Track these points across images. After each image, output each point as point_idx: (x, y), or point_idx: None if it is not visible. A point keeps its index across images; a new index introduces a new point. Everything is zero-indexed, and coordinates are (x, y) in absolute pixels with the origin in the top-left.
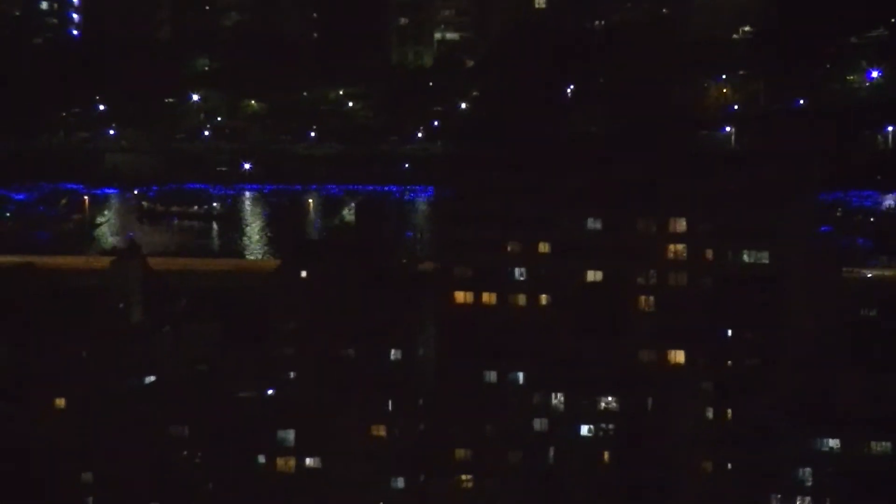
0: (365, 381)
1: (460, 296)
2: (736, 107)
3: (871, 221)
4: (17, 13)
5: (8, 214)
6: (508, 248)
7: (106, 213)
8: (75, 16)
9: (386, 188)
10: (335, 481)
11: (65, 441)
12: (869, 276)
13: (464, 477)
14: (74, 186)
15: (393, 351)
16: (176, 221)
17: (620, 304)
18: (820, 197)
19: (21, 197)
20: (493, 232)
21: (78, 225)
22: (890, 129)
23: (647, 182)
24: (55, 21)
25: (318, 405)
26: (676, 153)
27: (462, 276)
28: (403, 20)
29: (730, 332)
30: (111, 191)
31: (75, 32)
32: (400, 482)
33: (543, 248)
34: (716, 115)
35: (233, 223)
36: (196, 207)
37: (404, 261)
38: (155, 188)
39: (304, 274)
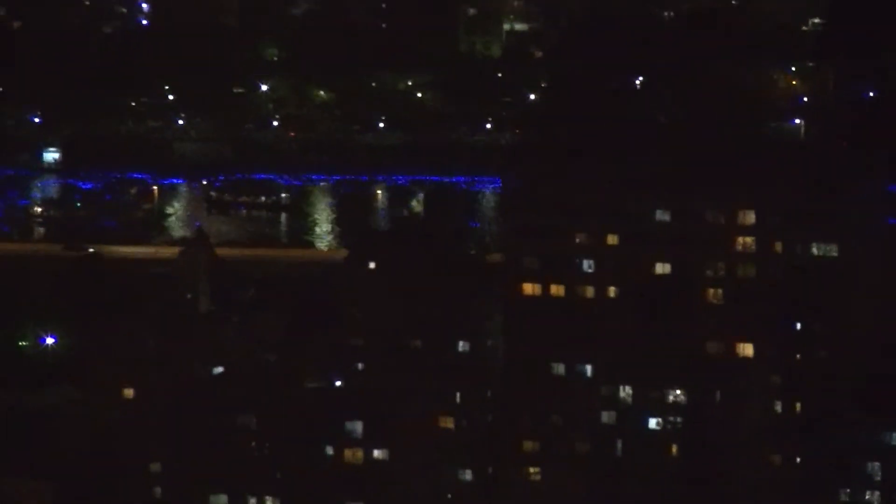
0: (433, 372)
1: (528, 287)
2: (805, 98)
3: None
4: (87, 2)
5: (78, 204)
6: (576, 239)
7: (175, 202)
8: (144, 4)
9: (453, 178)
10: (403, 473)
11: (133, 431)
12: None
13: (531, 469)
14: (142, 175)
15: (461, 342)
16: (244, 211)
17: (689, 296)
18: (889, 188)
19: (88, 186)
20: (560, 222)
21: (148, 214)
22: None
23: (716, 173)
24: (124, 10)
25: (385, 396)
26: (745, 144)
27: (530, 266)
28: (472, 10)
29: (798, 325)
30: (178, 180)
31: (144, 21)
32: (468, 474)
33: (612, 238)
34: (785, 106)
35: (301, 213)
36: (264, 197)
37: (472, 251)
38: (222, 177)
39: (371, 264)
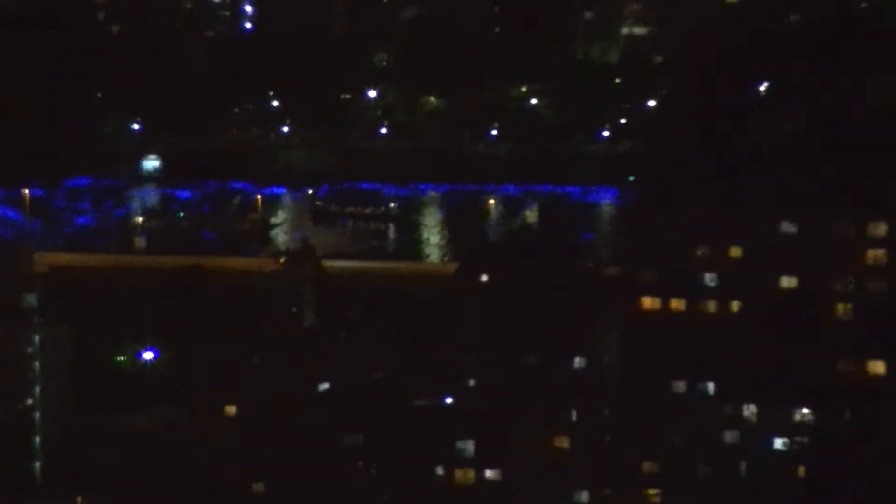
0: (547, 389)
1: (647, 301)
2: None
3: None
4: (189, 6)
5: (182, 214)
6: (698, 252)
7: (280, 213)
8: (248, 8)
9: (567, 189)
10: (516, 494)
11: (235, 449)
12: None
13: (651, 491)
14: (242, 185)
15: (577, 358)
16: (350, 222)
17: (816, 312)
18: None
19: (186, 195)
20: (681, 235)
21: (252, 225)
22: None
23: (844, 184)
24: (227, 14)
25: (498, 415)
26: (875, 155)
27: (649, 280)
28: (589, 14)
29: None
30: (279, 190)
31: (248, 25)
32: (584, 496)
33: (735, 252)
34: None
35: (409, 224)
36: (371, 208)
37: (589, 265)
38: (325, 187)
39: (483, 278)
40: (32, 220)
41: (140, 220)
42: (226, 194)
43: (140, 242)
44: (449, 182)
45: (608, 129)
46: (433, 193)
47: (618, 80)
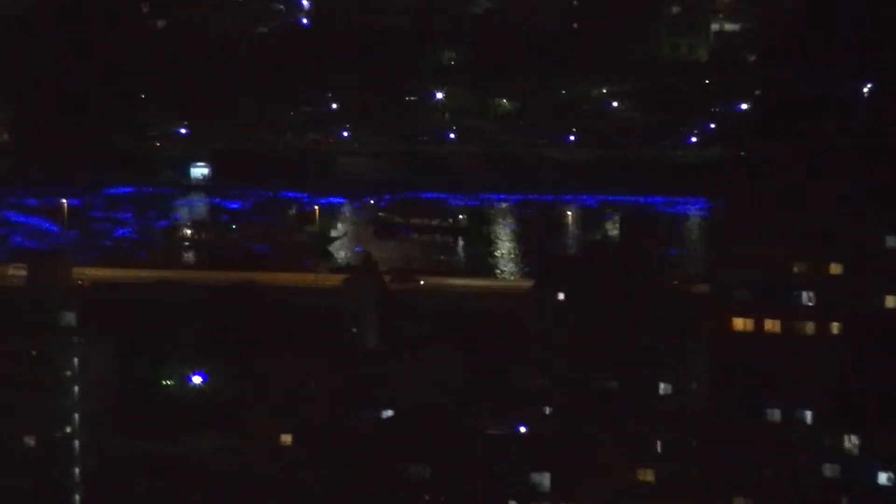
0: (630, 417)
1: (739, 322)
2: None
3: None
4: None
5: (234, 226)
6: (794, 269)
7: (340, 225)
8: (305, 2)
9: (650, 199)
10: None
11: (291, 482)
12: None
13: None
14: (296, 195)
15: (662, 384)
16: (416, 235)
17: None
18: None
19: (235, 206)
20: (776, 249)
21: (310, 238)
22: None
23: None
24: (282, 7)
25: (576, 444)
26: None
27: (741, 299)
28: (676, 9)
29: None
30: (339, 199)
31: (305, 20)
32: None
33: (835, 268)
34: None
35: (479, 237)
36: (438, 219)
37: (675, 282)
38: (387, 196)
39: (560, 295)
40: (69, 230)
41: (188, 231)
42: (279, 204)
43: (189, 256)
44: (521, 191)
45: (696, 134)
46: (504, 204)
47: (707, 80)
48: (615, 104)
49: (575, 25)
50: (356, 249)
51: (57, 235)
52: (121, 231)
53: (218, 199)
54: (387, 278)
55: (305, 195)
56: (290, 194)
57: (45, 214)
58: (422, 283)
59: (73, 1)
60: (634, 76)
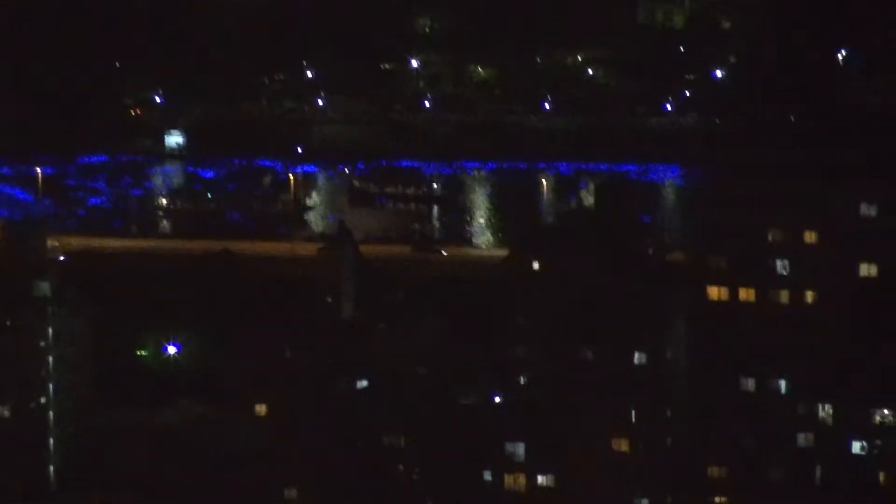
0: (605, 386)
1: (714, 291)
2: None
3: None
4: None
5: (210, 195)
6: (769, 237)
7: (314, 193)
8: None
9: (625, 166)
10: (571, 501)
11: (266, 450)
12: None
13: (718, 498)
14: (269, 163)
15: (637, 353)
16: (390, 203)
17: None
18: None
19: (209, 174)
20: (751, 218)
21: (286, 206)
22: None
23: None
24: None
25: (551, 414)
26: None
27: (716, 267)
28: None
29: None
30: (311, 168)
31: None
32: (645, 503)
33: (809, 236)
34: None
35: (454, 206)
36: (413, 188)
37: (650, 250)
38: (361, 165)
39: (536, 264)
40: (43, 199)
41: (164, 200)
42: (254, 173)
43: (165, 225)
44: (497, 159)
45: (672, 101)
46: (479, 172)
47: (683, 48)
48: (591, 71)
49: None
50: (329, 218)
51: (31, 204)
52: (95, 200)
53: (192, 168)
54: (408, 249)
55: (280, 164)
56: (264, 163)
57: (19, 183)
58: (444, 253)
59: None
60: (611, 43)
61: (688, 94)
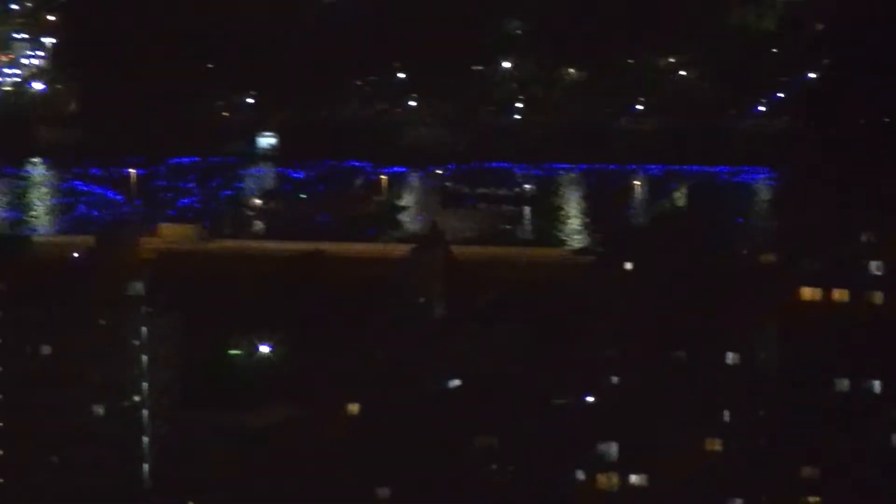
0: (698, 388)
1: (807, 292)
2: None
3: None
4: None
5: (303, 196)
6: (863, 238)
7: (405, 194)
8: None
9: (716, 169)
10: (663, 501)
11: (358, 451)
12: None
13: (811, 499)
14: (359, 164)
15: (730, 354)
16: (482, 205)
17: None
18: None
19: (299, 175)
20: (844, 219)
21: (378, 208)
22: None
23: None
24: None
25: (643, 415)
26: None
27: (809, 269)
28: None
29: None
30: (400, 169)
31: None
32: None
33: None
34: None
35: (546, 208)
36: (505, 190)
37: (742, 252)
38: (452, 166)
39: (627, 266)
40: (134, 200)
41: (256, 201)
42: (344, 174)
43: (256, 226)
44: (587, 161)
45: (764, 104)
46: (570, 174)
47: (775, 50)
48: (682, 74)
49: None
50: (419, 219)
51: (121, 205)
52: (185, 200)
53: (282, 169)
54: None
55: (369, 165)
56: (355, 164)
57: (110, 184)
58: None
59: None
60: (702, 45)
61: (780, 96)
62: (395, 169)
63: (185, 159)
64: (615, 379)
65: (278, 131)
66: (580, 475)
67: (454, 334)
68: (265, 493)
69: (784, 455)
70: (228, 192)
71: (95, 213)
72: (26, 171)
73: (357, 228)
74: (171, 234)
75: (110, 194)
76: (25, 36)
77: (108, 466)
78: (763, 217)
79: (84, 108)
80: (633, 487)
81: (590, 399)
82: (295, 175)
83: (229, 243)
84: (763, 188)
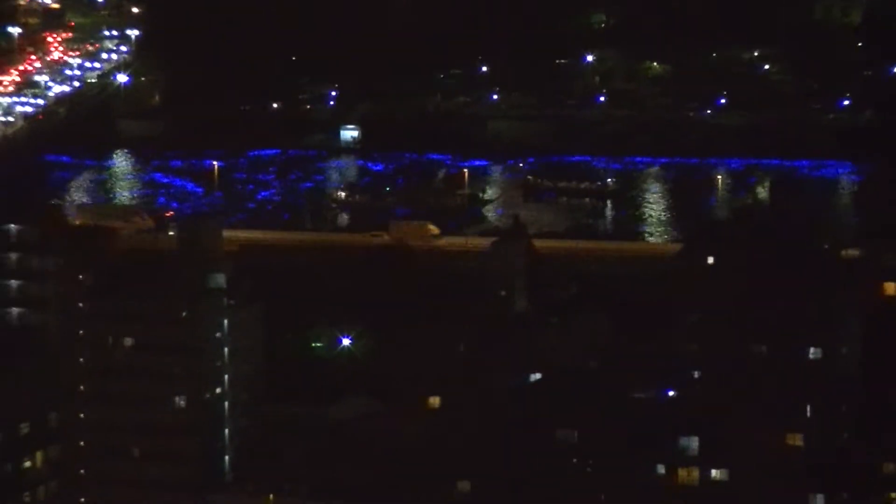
0: (779, 382)
1: (890, 287)
2: None
3: None
4: None
5: (388, 189)
6: None
7: (486, 187)
8: None
9: (797, 162)
10: (744, 496)
11: (439, 444)
12: None
13: (893, 495)
14: (439, 157)
15: (812, 348)
16: (564, 198)
17: None
18: None
19: (378, 167)
20: None
21: (462, 201)
22: None
23: None
24: None
25: (724, 409)
26: None
27: (891, 264)
28: None
29: None
30: (482, 162)
31: None
32: (819, 500)
33: None
34: None
35: (627, 201)
36: (587, 183)
37: (825, 246)
38: (531, 160)
39: (709, 259)
40: (214, 192)
41: (341, 194)
42: (425, 167)
43: (338, 218)
44: (668, 155)
45: (848, 98)
46: (650, 168)
47: (860, 44)
48: (766, 68)
49: None
50: (498, 212)
51: (201, 197)
52: (265, 193)
53: (362, 162)
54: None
55: (448, 158)
56: (435, 156)
57: (191, 176)
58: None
59: None
60: (786, 39)
61: (863, 90)
62: (476, 162)
63: (265, 152)
64: (696, 373)
65: (360, 124)
66: (661, 469)
67: (535, 328)
68: (344, 485)
69: (866, 451)
70: (308, 185)
71: (175, 204)
72: (108, 163)
73: (439, 221)
74: (404, 230)
75: (190, 186)
76: (110, 30)
77: (189, 458)
78: (846, 211)
79: (166, 101)
80: (714, 482)
81: (671, 393)
82: (375, 167)
83: (311, 235)
84: (846, 182)
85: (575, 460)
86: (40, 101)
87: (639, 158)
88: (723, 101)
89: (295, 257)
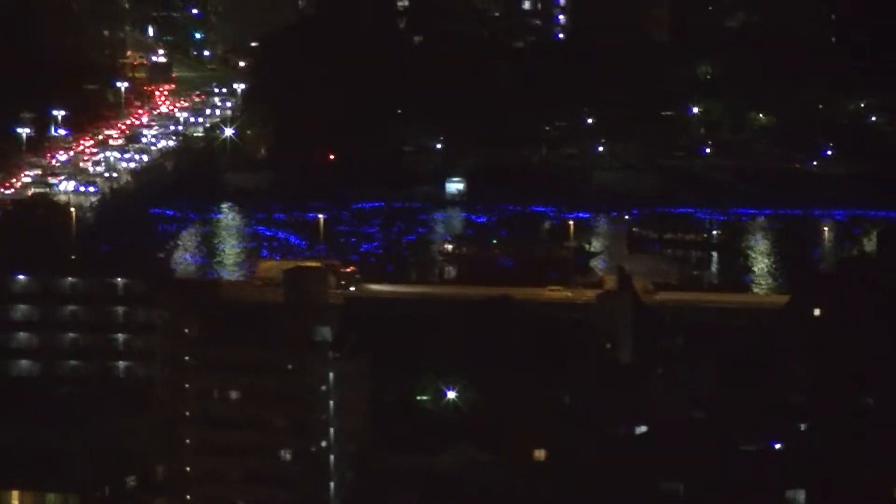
0: (887, 434)
1: None
2: None
3: None
4: (497, 14)
5: (495, 241)
6: None
7: (591, 238)
8: (561, 16)
9: None
10: None
11: (545, 495)
12: None
13: None
14: (541, 209)
15: None
16: (669, 250)
17: None
18: None
19: (481, 220)
20: None
21: (570, 252)
22: None
23: None
24: (538, 22)
25: (832, 461)
26: None
27: None
28: None
29: None
30: (583, 214)
31: (560, 35)
32: None
33: None
34: None
35: (734, 252)
36: (693, 234)
37: None
38: (635, 211)
39: (817, 311)
40: (318, 245)
41: (448, 246)
42: (527, 218)
43: (444, 270)
44: (773, 206)
45: None
46: (755, 218)
47: None
48: (873, 118)
49: (833, 39)
50: (601, 264)
51: (305, 249)
52: (368, 245)
53: (465, 214)
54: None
55: (551, 209)
56: (538, 208)
57: (293, 228)
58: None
59: (331, 19)
60: (892, 89)
61: None
62: (580, 214)
63: (369, 204)
64: (803, 425)
65: (466, 176)
66: None
67: (641, 379)
68: None
69: None
70: (411, 237)
71: (278, 257)
72: (212, 216)
73: (544, 273)
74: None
75: (294, 239)
76: (217, 84)
77: None
78: None
79: (272, 154)
80: None
81: (777, 445)
82: (478, 220)
83: (415, 287)
84: None
85: None
86: (145, 157)
87: (742, 210)
88: (829, 151)
89: (401, 308)
